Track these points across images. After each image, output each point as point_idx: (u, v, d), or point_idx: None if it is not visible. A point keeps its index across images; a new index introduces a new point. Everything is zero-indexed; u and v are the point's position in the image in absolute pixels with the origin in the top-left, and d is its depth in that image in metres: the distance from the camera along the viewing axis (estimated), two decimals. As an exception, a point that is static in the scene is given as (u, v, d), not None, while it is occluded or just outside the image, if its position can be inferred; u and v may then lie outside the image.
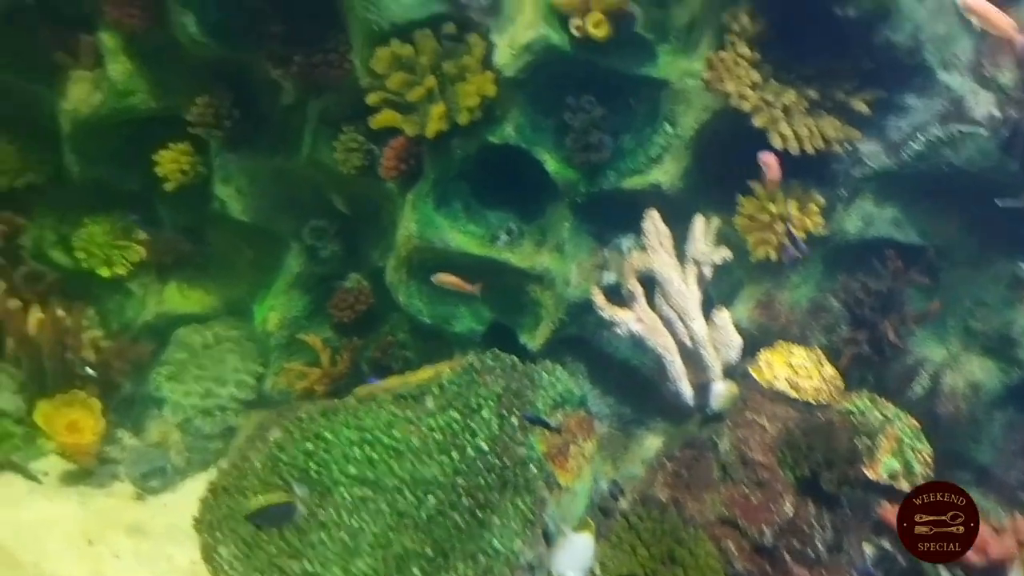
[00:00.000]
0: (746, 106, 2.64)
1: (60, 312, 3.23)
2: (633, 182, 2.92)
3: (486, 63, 2.81)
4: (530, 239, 3.07)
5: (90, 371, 3.25)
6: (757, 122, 2.64)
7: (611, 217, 2.98)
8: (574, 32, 2.74)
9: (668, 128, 2.89)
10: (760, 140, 2.64)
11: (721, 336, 2.87)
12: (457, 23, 2.81)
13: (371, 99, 2.85)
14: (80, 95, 3.17)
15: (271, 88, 3.13)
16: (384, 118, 2.85)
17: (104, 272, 3.39)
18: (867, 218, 2.80)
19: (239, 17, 2.98)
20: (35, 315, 3.17)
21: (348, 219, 3.37)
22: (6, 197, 3.33)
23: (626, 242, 3.01)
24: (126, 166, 3.36)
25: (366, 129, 2.97)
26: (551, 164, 2.91)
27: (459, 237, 3.00)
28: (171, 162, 3.22)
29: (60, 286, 3.37)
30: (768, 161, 2.66)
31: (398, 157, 2.99)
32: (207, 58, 3.08)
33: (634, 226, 2.88)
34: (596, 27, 2.72)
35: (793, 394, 2.70)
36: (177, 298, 3.53)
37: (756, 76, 2.66)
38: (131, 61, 3.11)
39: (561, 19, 2.76)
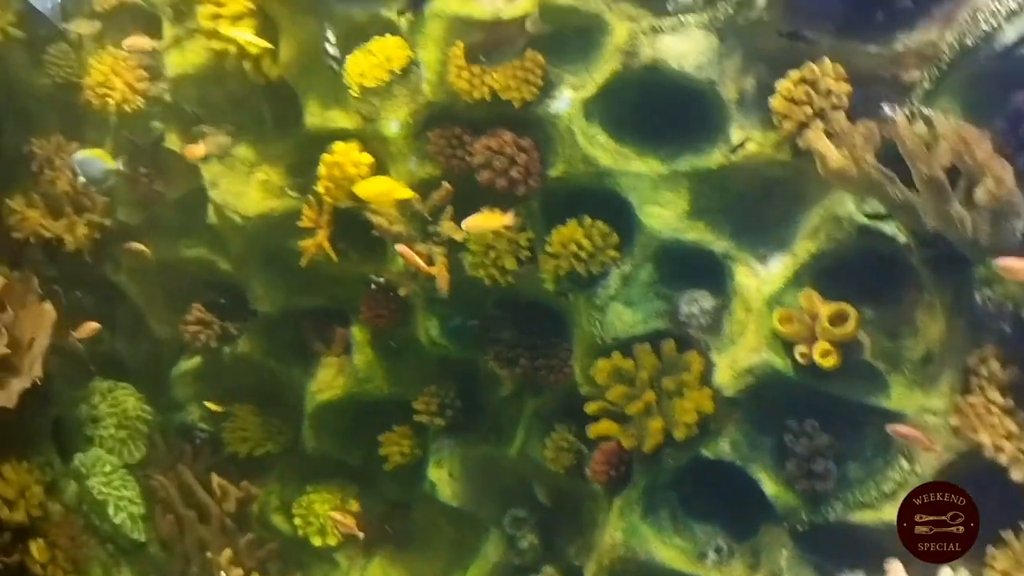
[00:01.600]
0: (1003, 458, 2.40)
1: (272, 586, 3.39)
2: (863, 516, 2.67)
3: (704, 379, 2.81)
4: (741, 561, 2.86)
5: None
6: (1016, 476, 2.39)
7: (836, 550, 2.72)
8: (799, 359, 2.70)
9: (904, 464, 2.67)
10: (1015, 491, 2.37)
11: None
12: (677, 339, 2.89)
13: (590, 408, 2.91)
14: (326, 378, 3.54)
15: (492, 381, 3.32)
16: (603, 427, 2.89)
17: (317, 541, 3.55)
18: None
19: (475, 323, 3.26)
20: (250, 586, 3.34)
21: (549, 511, 3.35)
22: (243, 464, 3.66)
23: (855, 582, 2.73)
24: (352, 443, 3.63)
25: (578, 429, 3.03)
26: (769, 486, 2.76)
27: (664, 551, 2.86)
28: (393, 444, 3.45)
29: (277, 552, 3.56)
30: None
31: (608, 462, 2.99)
32: (440, 356, 3.36)
33: (863, 562, 2.61)
34: (823, 356, 2.66)
35: None
36: (379, 574, 3.59)
37: (1012, 425, 2.44)
38: (373, 353, 3.45)
39: (786, 345, 2.74)
